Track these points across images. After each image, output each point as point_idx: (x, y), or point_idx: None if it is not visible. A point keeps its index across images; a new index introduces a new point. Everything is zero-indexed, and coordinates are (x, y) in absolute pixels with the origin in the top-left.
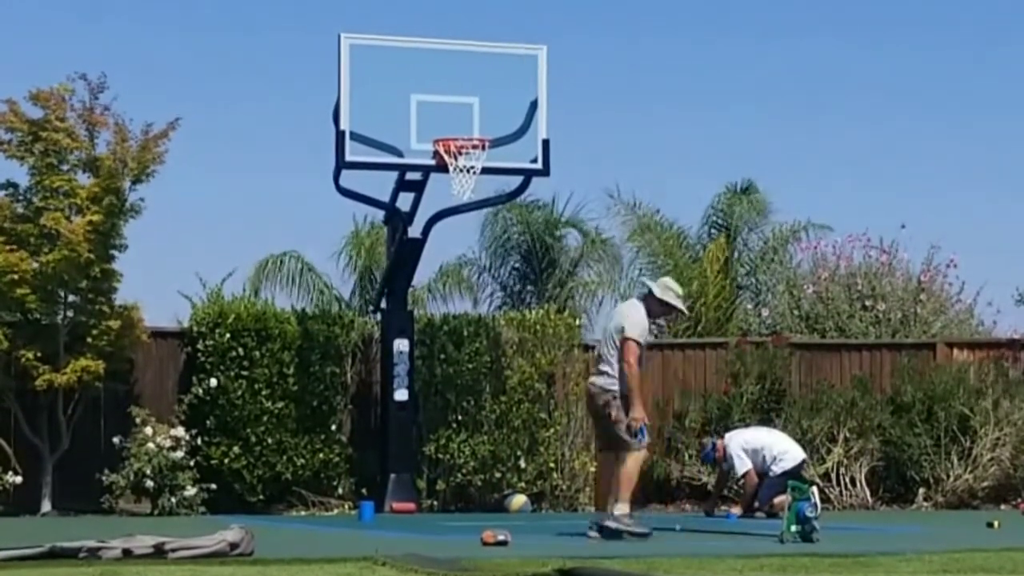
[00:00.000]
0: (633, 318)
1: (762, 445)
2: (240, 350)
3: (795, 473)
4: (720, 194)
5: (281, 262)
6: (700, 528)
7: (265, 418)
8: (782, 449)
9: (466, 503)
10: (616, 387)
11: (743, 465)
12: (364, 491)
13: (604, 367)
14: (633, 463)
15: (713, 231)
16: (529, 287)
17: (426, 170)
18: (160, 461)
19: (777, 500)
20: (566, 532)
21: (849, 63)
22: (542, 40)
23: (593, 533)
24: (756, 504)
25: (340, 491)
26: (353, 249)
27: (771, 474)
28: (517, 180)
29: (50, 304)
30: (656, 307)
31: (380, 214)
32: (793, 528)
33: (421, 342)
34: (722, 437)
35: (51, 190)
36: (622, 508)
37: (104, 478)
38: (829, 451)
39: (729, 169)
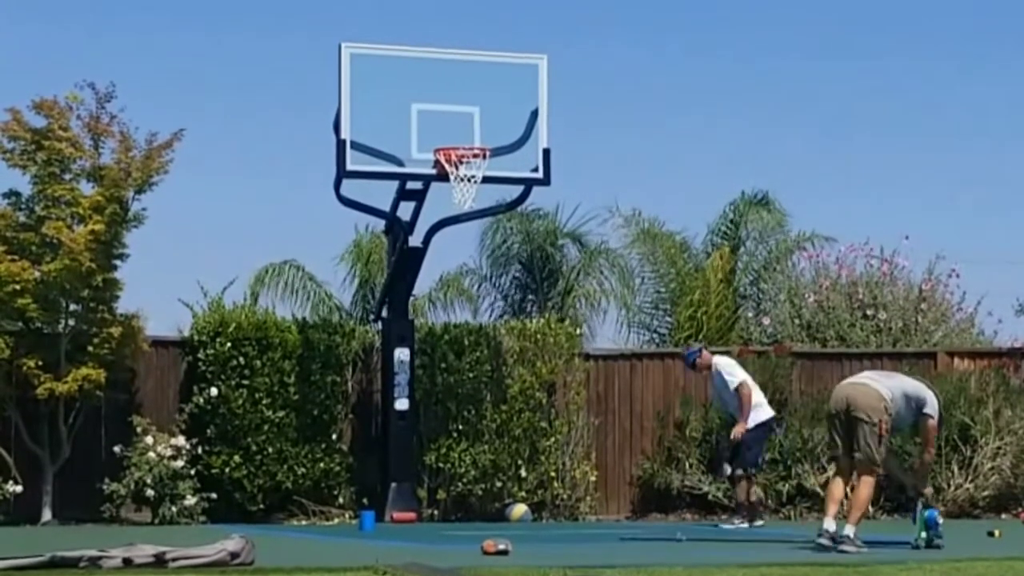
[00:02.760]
0: (936, 404)
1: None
2: (241, 359)
3: (770, 426)
4: (732, 203)
5: (280, 271)
6: (702, 537)
7: (266, 427)
8: (759, 400)
9: (467, 512)
10: (892, 413)
11: (737, 378)
12: (365, 500)
13: (885, 389)
14: (869, 489)
15: (717, 239)
16: (530, 296)
17: (427, 179)
18: (161, 470)
19: (752, 500)
20: (569, 541)
21: (853, 76)
22: (543, 49)
23: (824, 540)
24: (740, 464)
25: (341, 500)
26: (354, 258)
27: (748, 424)
28: (518, 189)
29: (51, 313)
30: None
31: (380, 223)
32: (923, 534)
33: (422, 351)
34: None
35: (53, 199)
36: (852, 530)
37: (105, 487)
38: (830, 460)
39: (731, 180)
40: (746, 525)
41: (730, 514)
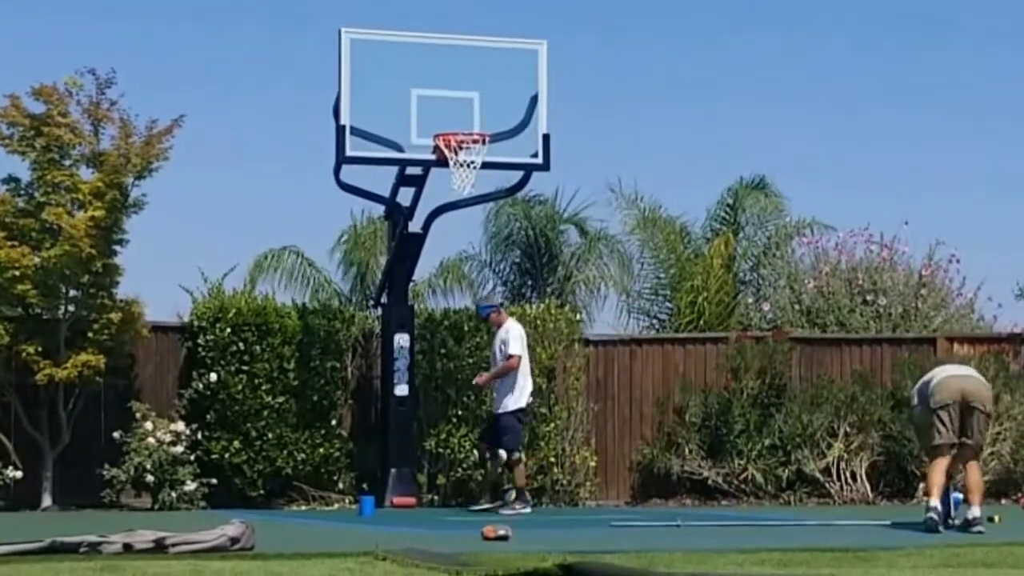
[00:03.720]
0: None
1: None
2: (240, 345)
3: (528, 411)
4: (730, 188)
5: (280, 257)
6: (702, 523)
7: (265, 413)
8: (525, 384)
9: (466, 498)
10: None
11: (518, 349)
12: (364, 486)
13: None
14: (980, 471)
15: (716, 224)
16: (530, 282)
17: (426, 165)
18: (160, 456)
19: (517, 469)
20: (569, 527)
21: (853, 60)
22: (543, 35)
23: (980, 528)
24: (505, 448)
25: (340, 486)
26: (350, 244)
27: (508, 408)
28: (518, 175)
29: (51, 299)
30: None
31: (378, 208)
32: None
33: (422, 337)
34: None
35: (53, 185)
36: (978, 512)
37: (104, 473)
38: (830, 446)
39: (730, 165)
40: (529, 509)
41: (499, 499)
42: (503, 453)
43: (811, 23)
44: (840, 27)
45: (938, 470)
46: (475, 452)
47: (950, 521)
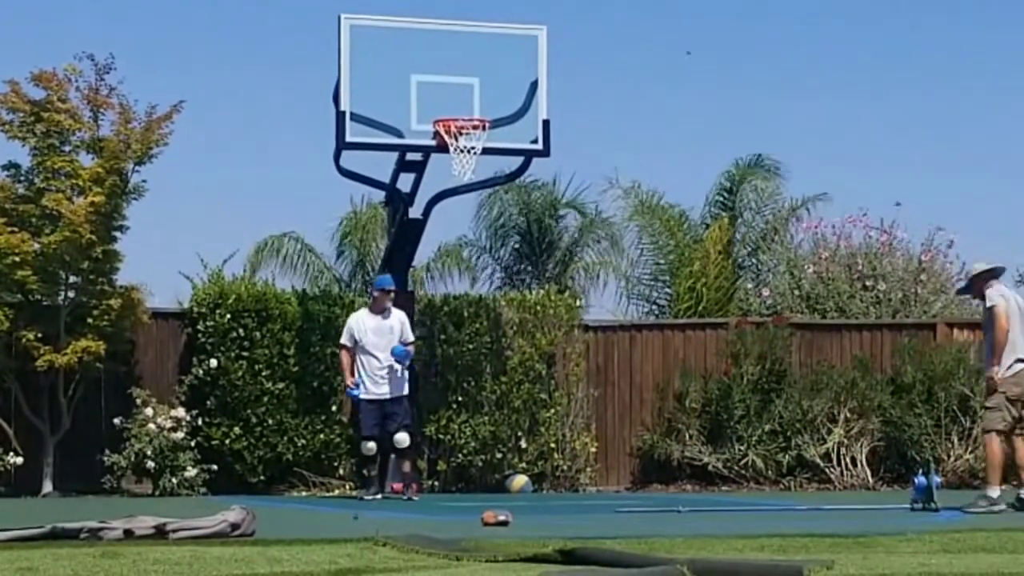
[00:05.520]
0: None
1: None
2: (240, 331)
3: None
4: (727, 171)
5: (280, 243)
6: (702, 508)
7: (266, 399)
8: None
9: (467, 484)
10: None
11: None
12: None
13: None
14: None
15: (714, 210)
16: (529, 268)
17: (426, 151)
18: (161, 442)
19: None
20: (569, 512)
21: (851, 43)
22: (543, 20)
23: None
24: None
25: (341, 472)
26: (351, 230)
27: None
28: (518, 161)
29: (51, 285)
30: None
31: (379, 194)
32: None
33: (421, 323)
34: None
35: (53, 171)
36: None
37: (105, 459)
38: (830, 431)
39: (730, 150)
40: (379, 497)
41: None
42: (405, 437)
43: (807, 5)
44: (835, 9)
45: (997, 455)
46: (475, 438)
47: (932, 504)
